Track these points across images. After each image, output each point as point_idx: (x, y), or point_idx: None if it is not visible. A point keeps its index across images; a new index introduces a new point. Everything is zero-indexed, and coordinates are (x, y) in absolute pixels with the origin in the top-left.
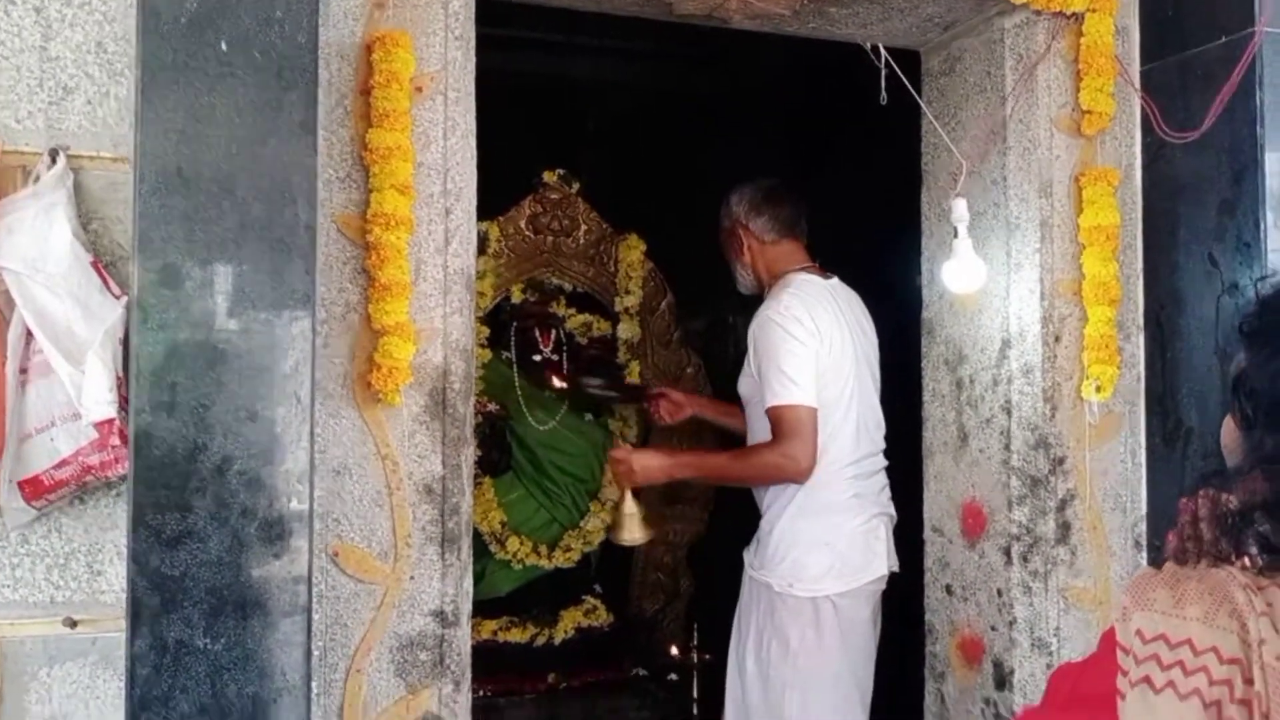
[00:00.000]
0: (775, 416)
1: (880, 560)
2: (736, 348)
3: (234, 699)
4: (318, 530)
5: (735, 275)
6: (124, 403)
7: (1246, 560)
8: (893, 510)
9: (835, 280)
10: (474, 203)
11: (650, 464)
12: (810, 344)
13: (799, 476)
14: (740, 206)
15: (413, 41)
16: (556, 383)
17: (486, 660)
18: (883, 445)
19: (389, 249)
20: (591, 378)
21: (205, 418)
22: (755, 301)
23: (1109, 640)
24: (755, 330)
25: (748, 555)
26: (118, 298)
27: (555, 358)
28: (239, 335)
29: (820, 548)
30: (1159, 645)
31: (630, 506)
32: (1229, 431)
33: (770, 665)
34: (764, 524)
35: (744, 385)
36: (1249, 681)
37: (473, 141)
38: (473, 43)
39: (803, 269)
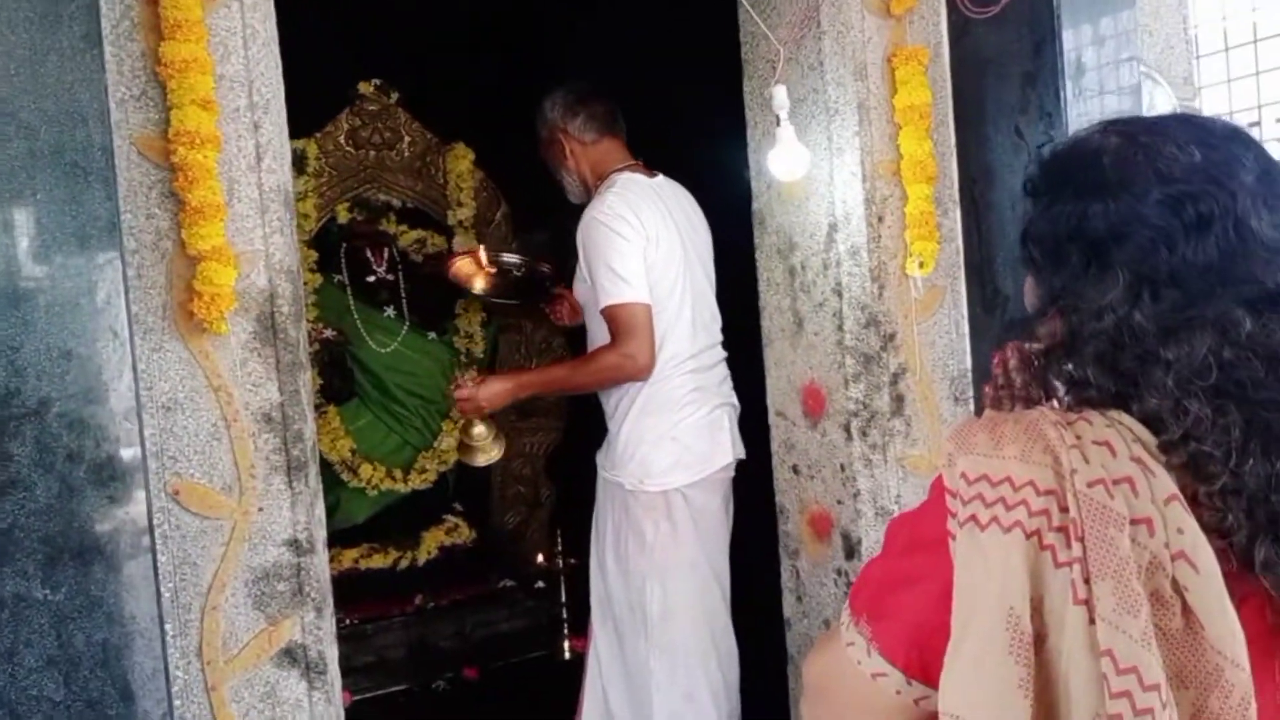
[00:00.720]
0: (610, 316)
1: (725, 450)
2: (574, 253)
3: (82, 647)
4: (154, 469)
5: (563, 185)
6: None
7: (1055, 401)
8: (735, 400)
9: (660, 177)
10: (284, 115)
11: (495, 391)
12: (637, 241)
13: (640, 374)
14: (555, 112)
15: None
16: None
17: (351, 589)
18: (720, 338)
19: (197, 169)
20: (509, 255)
21: (15, 360)
22: None
23: (938, 487)
24: (582, 232)
25: (599, 457)
26: None
27: (390, 277)
28: (42, 270)
29: (666, 442)
30: (982, 485)
31: (481, 430)
32: (1028, 287)
33: (629, 560)
34: (611, 426)
35: (578, 290)
36: (1064, 509)
37: (276, 49)
38: None
39: (627, 167)
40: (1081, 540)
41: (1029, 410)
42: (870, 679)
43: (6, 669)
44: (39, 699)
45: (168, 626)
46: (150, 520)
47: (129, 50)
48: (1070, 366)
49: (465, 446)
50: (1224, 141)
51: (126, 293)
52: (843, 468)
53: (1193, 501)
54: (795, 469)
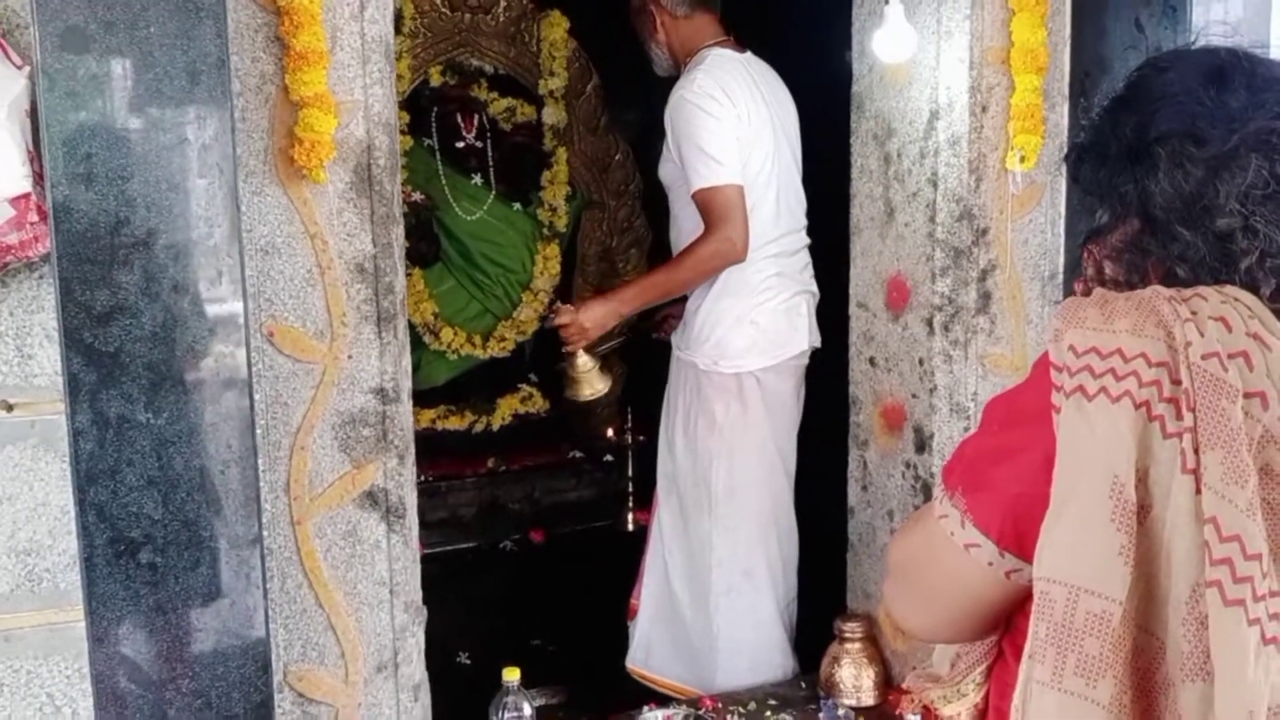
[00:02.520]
0: (703, 201)
1: (802, 336)
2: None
3: (181, 471)
4: (252, 310)
5: (650, 57)
6: (39, 178)
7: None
8: (815, 288)
9: (749, 54)
10: None
11: (597, 314)
12: (727, 120)
13: (739, 257)
14: None
15: None
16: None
17: (427, 447)
18: (804, 223)
19: (302, 13)
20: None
21: (125, 190)
22: None
23: (1040, 365)
24: (671, 112)
25: (675, 337)
26: (19, 68)
27: (479, 144)
28: (153, 104)
29: (744, 325)
30: (1091, 357)
31: (585, 361)
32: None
33: (698, 439)
34: (689, 305)
35: (665, 171)
36: (1176, 382)
37: None
38: None
39: (717, 44)
40: (1193, 410)
41: (1141, 289)
42: (963, 550)
43: (110, 486)
44: (138, 515)
45: (259, 460)
46: (249, 358)
47: None
48: (1162, 246)
49: (570, 379)
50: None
51: (233, 132)
52: (921, 362)
53: None
54: (872, 361)
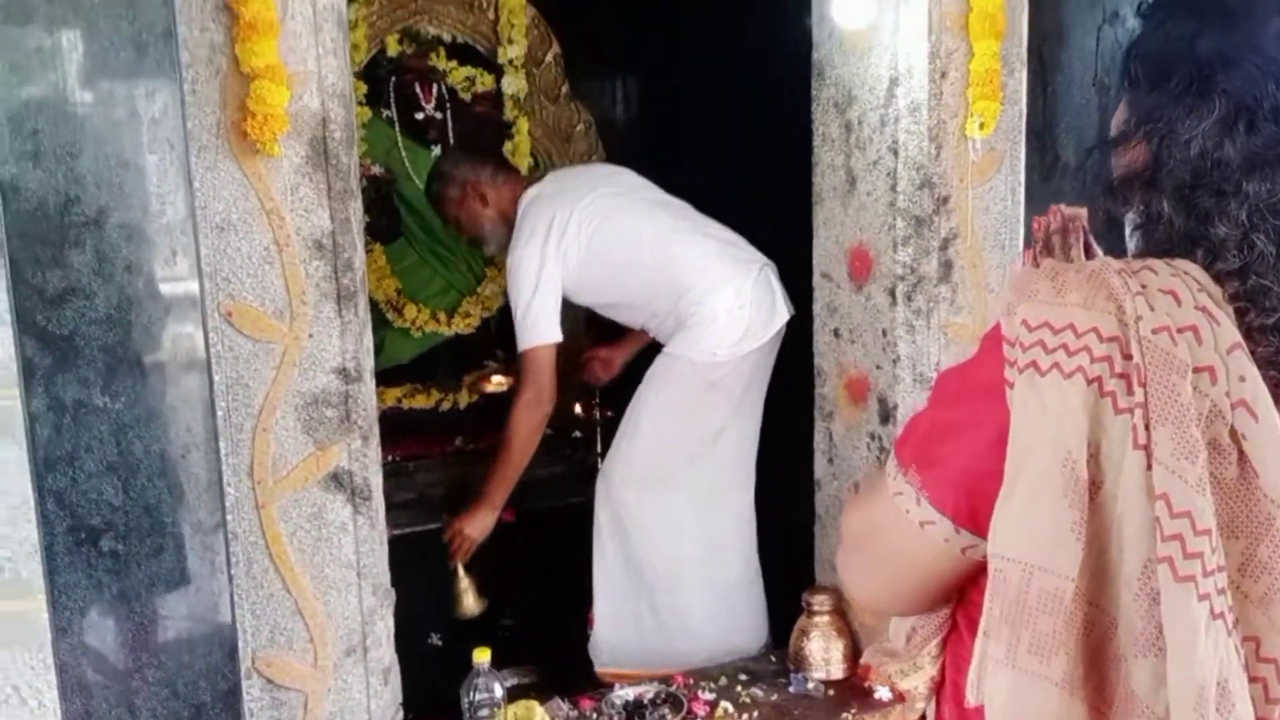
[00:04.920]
0: (521, 360)
1: (781, 308)
2: (627, 105)
3: (141, 456)
4: (209, 289)
5: (486, 238)
6: None
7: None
8: (768, 260)
9: (549, 174)
10: None
11: (482, 522)
12: (549, 259)
13: (547, 409)
14: (461, 169)
15: None
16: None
17: (393, 426)
18: (708, 218)
19: None
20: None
21: (74, 167)
22: (651, 49)
23: (991, 337)
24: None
25: (671, 340)
26: None
27: (439, 115)
28: (99, 77)
29: (734, 312)
30: (1043, 332)
31: (464, 580)
32: (1120, 110)
33: (676, 419)
34: (682, 314)
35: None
36: (1127, 356)
37: None
38: None
39: (527, 189)
40: (1144, 386)
41: (1091, 260)
42: (918, 527)
43: (68, 473)
44: (99, 502)
45: (221, 444)
46: (207, 339)
47: None
48: (1147, 197)
49: (455, 595)
50: None
51: (183, 106)
52: (884, 333)
53: (1247, 335)
54: (836, 332)
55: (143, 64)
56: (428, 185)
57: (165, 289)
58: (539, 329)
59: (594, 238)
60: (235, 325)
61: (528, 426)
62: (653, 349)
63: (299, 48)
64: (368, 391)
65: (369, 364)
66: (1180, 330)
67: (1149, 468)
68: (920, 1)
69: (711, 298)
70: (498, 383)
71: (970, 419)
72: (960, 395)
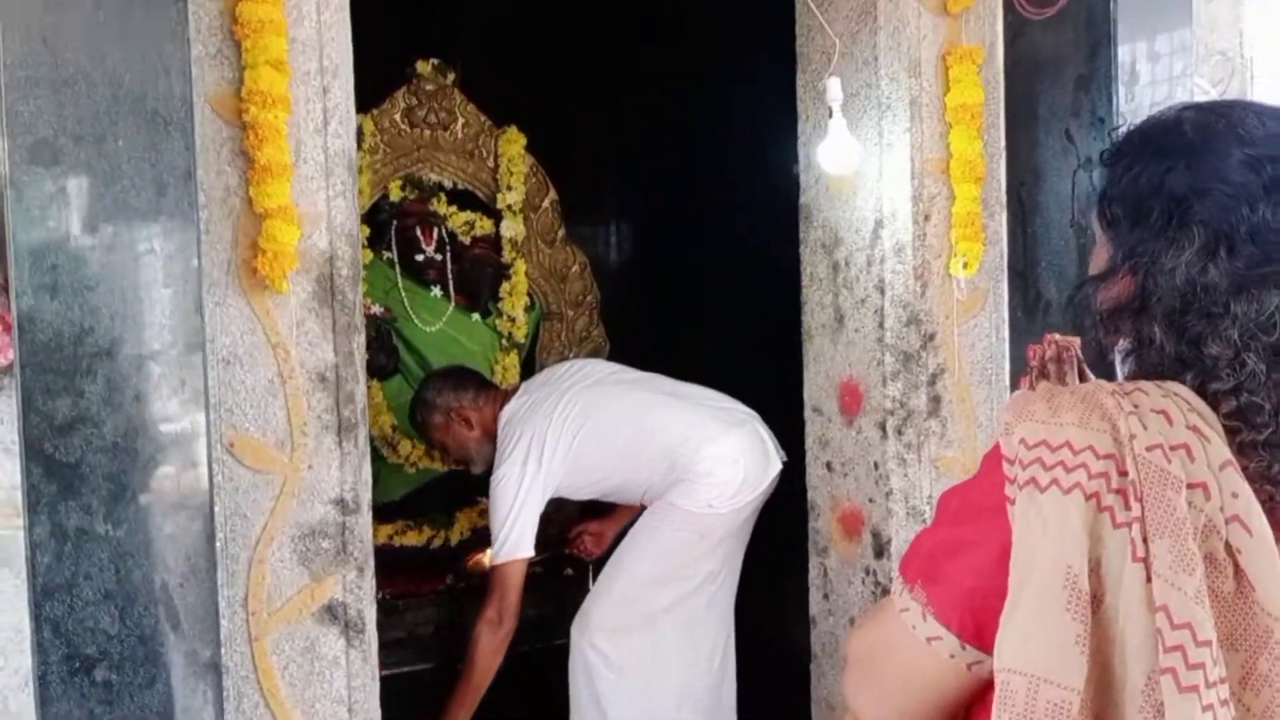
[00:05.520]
0: (491, 575)
1: (774, 458)
2: (620, 248)
3: (139, 584)
4: (213, 420)
5: (474, 459)
6: (3, 289)
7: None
8: (753, 413)
9: (523, 385)
10: (351, 81)
11: None
12: (529, 478)
13: (508, 631)
14: (445, 396)
15: None
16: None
17: (384, 564)
18: (685, 383)
19: (267, 128)
20: None
21: (90, 300)
22: (646, 198)
23: (991, 458)
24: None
25: (670, 490)
26: None
27: (439, 257)
28: (119, 214)
29: (730, 465)
30: (1041, 450)
31: None
32: (1097, 251)
33: (658, 565)
34: (677, 475)
35: None
36: (1123, 473)
37: (347, 17)
38: None
39: (505, 404)
40: (1140, 500)
41: (1084, 383)
42: (925, 643)
43: (66, 600)
44: (95, 631)
45: (218, 575)
46: (210, 469)
47: (207, 10)
48: (1137, 325)
49: None
50: None
51: (198, 244)
52: (876, 466)
53: (1239, 451)
54: (829, 466)
55: (162, 204)
56: (411, 412)
57: (172, 419)
58: (512, 543)
59: (575, 438)
60: (237, 456)
61: (490, 646)
62: None
63: (310, 190)
64: (364, 523)
65: (367, 496)
66: (1173, 448)
67: (1148, 580)
68: (903, 148)
69: (705, 453)
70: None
71: (974, 536)
72: (963, 513)
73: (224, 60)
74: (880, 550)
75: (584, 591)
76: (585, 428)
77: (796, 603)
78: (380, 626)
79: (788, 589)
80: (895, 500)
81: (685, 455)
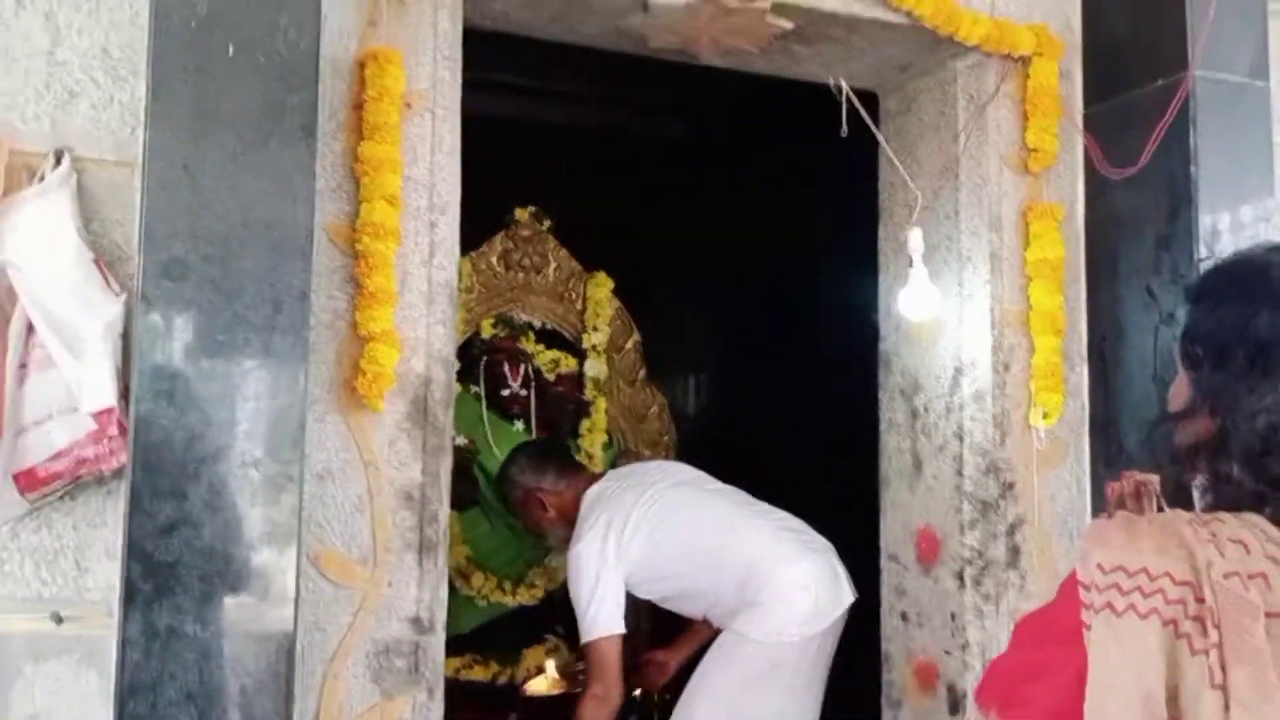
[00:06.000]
0: (586, 653)
1: (845, 590)
2: (699, 392)
3: (219, 686)
4: (302, 534)
5: (547, 535)
6: (123, 395)
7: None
8: (828, 543)
9: (609, 472)
10: (458, 218)
11: None
12: (610, 555)
13: (615, 705)
14: (525, 476)
15: (403, 59)
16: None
17: (450, 697)
18: (767, 504)
19: (377, 258)
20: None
21: (204, 408)
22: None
23: (1068, 585)
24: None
25: (734, 625)
26: (118, 295)
27: (524, 393)
28: (237, 328)
29: (799, 592)
30: (1118, 575)
31: None
32: (1177, 386)
33: (732, 708)
34: (747, 596)
35: None
36: (1200, 600)
37: (458, 159)
38: (459, 63)
39: (589, 487)
40: (1218, 628)
41: (1162, 513)
42: None
43: (149, 698)
44: None
45: (295, 686)
46: (297, 579)
47: (331, 148)
48: (1215, 464)
49: None
50: None
51: (306, 362)
52: (953, 617)
53: None
54: (904, 616)
55: (277, 321)
56: (495, 483)
57: (266, 528)
58: (603, 620)
59: (655, 529)
60: (320, 569)
61: (596, 717)
62: None
63: (412, 317)
64: (438, 644)
65: (442, 615)
66: (1250, 576)
67: (1226, 708)
68: (983, 299)
69: (777, 576)
70: (553, 682)
71: (1050, 661)
72: (1040, 638)
73: (343, 195)
74: (955, 705)
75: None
76: (668, 521)
77: None
78: None
79: None
80: (972, 653)
81: (762, 572)
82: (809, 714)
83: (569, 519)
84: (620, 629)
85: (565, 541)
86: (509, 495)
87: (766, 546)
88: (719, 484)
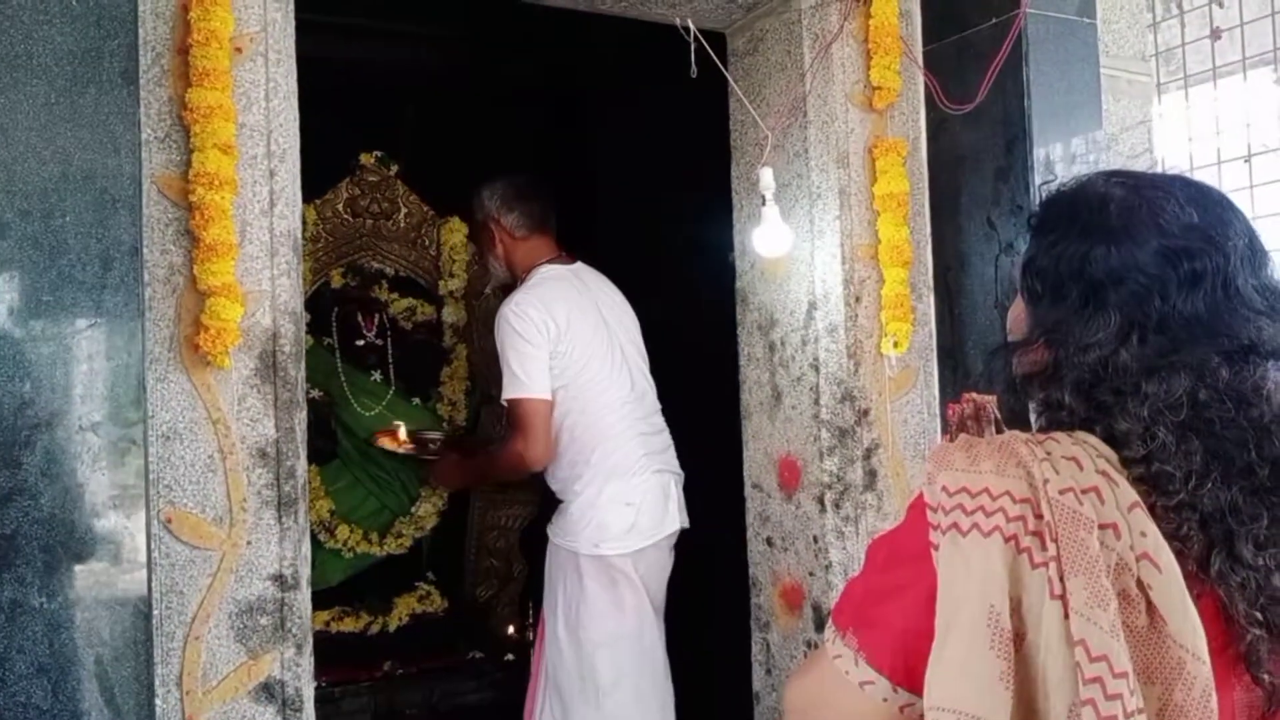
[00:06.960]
0: (508, 411)
1: (674, 516)
2: None
3: (73, 658)
4: (151, 496)
5: (489, 265)
6: None
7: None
8: (678, 468)
9: (580, 265)
10: (298, 165)
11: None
12: (540, 341)
13: (533, 466)
14: (493, 202)
15: (231, 1)
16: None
17: (321, 651)
18: (658, 407)
19: (213, 209)
20: (429, 432)
21: (32, 372)
22: None
23: (915, 506)
24: (495, 323)
25: (552, 526)
26: None
27: (379, 342)
28: (65, 287)
29: (621, 506)
30: (962, 496)
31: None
32: (1015, 312)
33: (580, 628)
34: (564, 493)
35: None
36: (1039, 516)
37: (294, 104)
38: (292, 5)
39: (549, 261)
40: (1056, 541)
41: (1000, 434)
42: (858, 688)
43: None
44: (27, 706)
45: (153, 652)
46: (148, 544)
47: (157, 95)
48: (1049, 391)
49: None
50: (1217, 206)
51: (142, 319)
52: (815, 539)
53: (1151, 511)
54: (769, 541)
55: (107, 279)
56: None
57: (110, 493)
58: (534, 384)
59: (580, 372)
60: (174, 531)
61: (499, 467)
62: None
63: (254, 269)
64: (303, 599)
65: (306, 571)
66: (1084, 491)
67: (1066, 616)
68: (833, 235)
69: (599, 487)
70: (400, 443)
71: (901, 581)
72: (890, 560)
73: (172, 144)
74: (820, 623)
75: (524, 677)
76: (587, 369)
77: (739, 679)
78: (316, 715)
79: (730, 666)
80: (835, 573)
81: (597, 474)
82: (660, 631)
83: (513, 269)
84: (549, 397)
85: (502, 285)
86: (474, 212)
87: (618, 450)
88: (646, 369)
